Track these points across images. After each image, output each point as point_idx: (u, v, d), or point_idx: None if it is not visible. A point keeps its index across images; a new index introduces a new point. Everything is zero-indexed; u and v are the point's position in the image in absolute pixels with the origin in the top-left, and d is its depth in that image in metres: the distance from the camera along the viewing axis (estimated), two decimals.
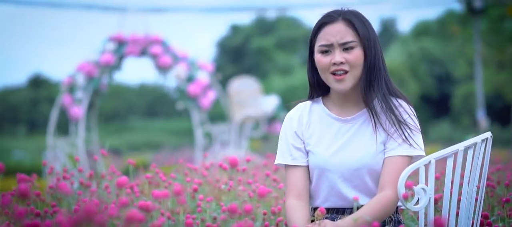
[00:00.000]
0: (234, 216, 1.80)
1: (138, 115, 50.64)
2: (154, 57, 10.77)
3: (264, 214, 3.13)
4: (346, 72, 2.56)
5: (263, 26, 50.74)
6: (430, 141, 27.73)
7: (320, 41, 2.60)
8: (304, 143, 2.70)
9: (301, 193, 2.67)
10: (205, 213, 3.25)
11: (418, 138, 2.59)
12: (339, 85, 2.58)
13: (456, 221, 2.61)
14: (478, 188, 2.62)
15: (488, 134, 2.62)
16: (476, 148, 2.56)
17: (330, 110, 2.69)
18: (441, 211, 2.61)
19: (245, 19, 53.94)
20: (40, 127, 45.34)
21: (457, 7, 31.20)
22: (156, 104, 50.88)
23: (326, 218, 2.61)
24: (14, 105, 49.49)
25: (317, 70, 2.66)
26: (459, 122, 34.83)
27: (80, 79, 10.60)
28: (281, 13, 49.42)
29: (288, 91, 33.86)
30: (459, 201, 2.62)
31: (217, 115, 17.59)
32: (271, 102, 10.92)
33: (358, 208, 2.52)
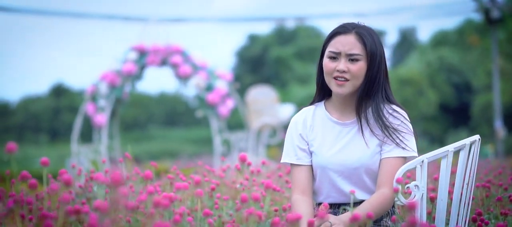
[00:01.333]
0: (245, 205, 2.09)
1: (158, 123, 50.97)
2: (174, 66, 11.04)
3: (276, 210, 3.42)
4: (347, 80, 2.85)
5: (282, 36, 51.05)
6: None
7: (331, 48, 2.88)
8: (308, 144, 2.98)
9: (305, 189, 2.96)
10: (222, 210, 3.53)
11: (410, 140, 2.86)
12: (338, 89, 2.86)
13: (449, 216, 2.88)
14: (467, 186, 2.88)
15: (476, 137, 2.89)
16: (465, 149, 2.83)
17: (331, 115, 2.97)
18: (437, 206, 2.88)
19: (264, 29, 54.21)
20: (61, 135, 45.88)
21: (476, 17, 31.28)
22: (175, 113, 51.22)
23: (329, 212, 2.90)
24: (36, 114, 50.02)
25: (323, 72, 2.95)
26: (478, 131, 34.76)
27: (103, 88, 10.90)
28: (300, 22, 49.65)
29: (307, 100, 33.96)
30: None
31: (236, 123, 17.86)
32: (287, 110, 11.16)
33: (356, 203, 2.81)
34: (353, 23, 2.91)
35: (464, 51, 38.53)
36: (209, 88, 10.81)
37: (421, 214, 2.75)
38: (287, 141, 3.04)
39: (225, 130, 11.07)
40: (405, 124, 2.87)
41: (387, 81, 2.94)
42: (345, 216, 2.72)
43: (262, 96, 11.12)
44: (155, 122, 51.18)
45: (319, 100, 3.06)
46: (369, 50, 2.84)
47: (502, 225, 2.46)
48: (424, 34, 74.47)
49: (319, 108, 3.03)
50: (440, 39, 42.88)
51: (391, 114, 2.87)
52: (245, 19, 70.75)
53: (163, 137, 43.04)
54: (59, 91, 52.09)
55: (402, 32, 53.18)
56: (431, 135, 37.59)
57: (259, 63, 50.08)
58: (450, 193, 3.06)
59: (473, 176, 2.92)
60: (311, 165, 2.98)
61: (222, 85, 10.86)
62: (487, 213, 3.54)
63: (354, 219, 2.31)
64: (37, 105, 50.86)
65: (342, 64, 2.84)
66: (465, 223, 2.90)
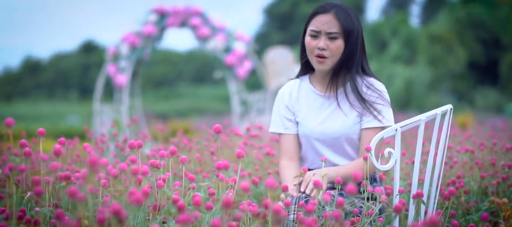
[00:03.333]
0: (220, 169, 2.33)
1: (187, 81, 51.29)
2: (194, 28, 11.22)
3: (269, 173, 3.67)
4: (326, 57, 3.07)
5: None
6: (476, 109, 27.72)
7: (311, 27, 3.11)
8: (294, 115, 3.23)
9: (292, 156, 3.21)
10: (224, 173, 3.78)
11: (387, 111, 3.08)
12: (319, 66, 3.10)
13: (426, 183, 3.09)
14: (441, 152, 3.08)
15: (448, 106, 3.09)
16: (437, 119, 3.03)
17: (315, 87, 3.21)
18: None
19: None
20: (91, 92, 46.50)
21: None
22: (204, 71, 51.44)
23: None
24: (66, 71, 50.66)
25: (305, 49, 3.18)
26: (508, 90, 34.52)
27: (124, 49, 11.16)
28: None
29: None
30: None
31: (255, 83, 18.06)
32: None
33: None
34: (332, 3, 3.12)
35: (494, 8, 38.08)
36: (227, 50, 11.01)
37: (395, 177, 2.96)
38: (275, 111, 3.30)
39: (244, 90, 11.27)
40: (382, 97, 3.09)
41: (365, 56, 3.16)
42: (321, 170, 2.95)
43: (279, 57, 11.27)
44: (184, 80, 51.52)
45: (304, 74, 3.29)
46: (346, 29, 3.05)
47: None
48: None
49: (304, 82, 3.26)
50: None
51: (369, 88, 3.09)
52: None
53: (191, 94, 43.37)
54: (88, 48, 52.65)
55: None
56: (460, 92, 37.46)
57: (287, 21, 50.00)
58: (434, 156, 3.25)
59: (446, 142, 3.12)
60: (297, 133, 3.23)
61: (240, 47, 11.04)
62: (468, 176, 3.74)
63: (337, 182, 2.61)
64: (67, 62, 51.49)
65: (322, 42, 3.06)
66: (438, 185, 3.11)
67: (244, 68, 10.95)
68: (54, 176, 2.12)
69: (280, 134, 3.26)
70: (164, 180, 2.46)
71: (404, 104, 30.31)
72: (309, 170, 3.18)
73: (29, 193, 2.33)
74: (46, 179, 2.33)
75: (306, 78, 3.27)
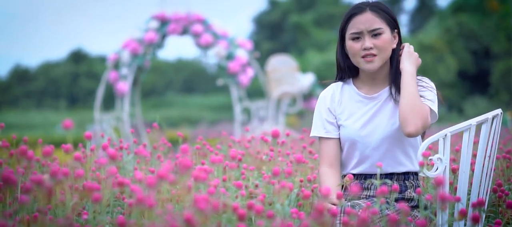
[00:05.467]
0: (277, 177, 2.20)
1: (176, 90, 51.10)
2: (196, 36, 11.07)
3: (301, 181, 3.54)
4: (374, 55, 2.95)
5: (301, 2, 50.80)
6: (467, 118, 27.75)
7: (351, 30, 2.99)
8: (336, 118, 3.10)
9: (333, 162, 3.08)
10: (248, 180, 3.67)
11: (429, 94, 2.93)
12: (369, 65, 2.97)
13: (470, 188, 2.98)
14: (489, 158, 2.97)
15: (498, 111, 2.98)
16: (487, 123, 2.92)
17: (359, 90, 3.09)
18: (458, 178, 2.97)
19: None
20: (80, 101, 46.23)
21: None
22: (193, 80, 51.26)
23: (355, 183, 3.03)
24: (55, 79, 50.36)
25: (347, 55, 3.05)
26: (497, 98, 34.61)
27: (125, 56, 10.99)
28: None
29: (324, 67, 34.02)
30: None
31: (255, 91, 17.94)
32: (307, 79, 11.19)
33: (383, 175, 2.92)
34: (365, 2, 3.03)
35: (484, 16, 38.22)
36: (230, 57, 10.87)
37: (444, 186, 2.84)
38: (316, 115, 3.16)
39: (245, 98, 11.13)
40: (431, 91, 2.95)
41: None
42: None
43: (282, 65, 11.16)
44: (173, 89, 51.33)
45: (345, 79, 3.16)
46: (388, 21, 2.97)
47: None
48: None
49: (347, 84, 3.15)
50: (460, 5, 42.45)
51: (419, 80, 2.97)
52: None
53: (181, 103, 43.18)
54: (78, 57, 52.38)
55: None
56: (450, 101, 37.52)
57: (277, 30, 49.96)
58: (472, 164, 3.14)
59: (495, 149, 3.01)
60: (339, 138, 3.09)
61: (242, 54, 10.91)
62: (508, 183, 3.63)
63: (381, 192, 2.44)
64: (56, 71, 51.19)
65: (367, 41, 2.95)
66: (486, 194, 2.99)
67: (247, 76, 10.82)
68: (110, 182, 1.99)
69: (320, 138, 3.13)
70: (215, 186, 2.33)
71: None
72: (353, 174, 3.06)
73: (75, 199, 2.19)
74: (94, 185, 2.19)
75: (349, 82, 3.14)
